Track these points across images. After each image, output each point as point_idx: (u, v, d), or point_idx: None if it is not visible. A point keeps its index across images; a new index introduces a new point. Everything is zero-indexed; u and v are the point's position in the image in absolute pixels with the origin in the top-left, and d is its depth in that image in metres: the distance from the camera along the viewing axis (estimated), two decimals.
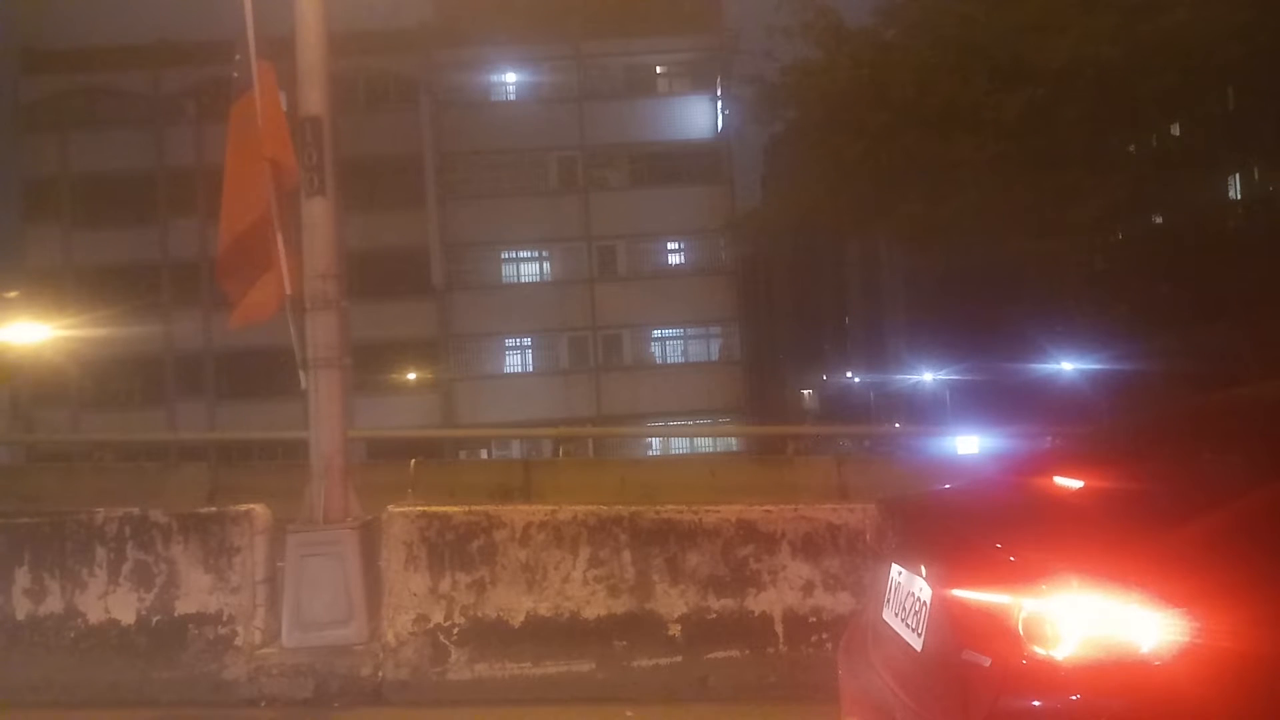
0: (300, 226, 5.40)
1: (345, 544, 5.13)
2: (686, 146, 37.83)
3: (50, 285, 34.90)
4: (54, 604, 5.12)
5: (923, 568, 2.87)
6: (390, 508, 5.16)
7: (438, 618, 4.99)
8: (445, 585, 5.01)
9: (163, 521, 5.17)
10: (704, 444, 33.76)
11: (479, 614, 4.98)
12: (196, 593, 5.10)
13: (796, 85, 17.00)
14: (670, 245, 38.58)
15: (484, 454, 33.16)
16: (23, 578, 5.15)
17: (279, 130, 5.36)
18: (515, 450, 30.65)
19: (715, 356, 38.17)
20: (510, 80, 38.78)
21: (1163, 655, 2.20)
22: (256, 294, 5.51)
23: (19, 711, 4.87)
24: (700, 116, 38.38)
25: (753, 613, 4.93)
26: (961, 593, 2.57)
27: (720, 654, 4.90)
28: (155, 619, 5.08)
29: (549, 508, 5.18)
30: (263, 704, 4.96)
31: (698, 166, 37.76)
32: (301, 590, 5.06)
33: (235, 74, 5.42)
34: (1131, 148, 17.74)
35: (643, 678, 4.88)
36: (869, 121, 15.68)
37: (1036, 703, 2.31)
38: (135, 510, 5.24)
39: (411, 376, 36.48)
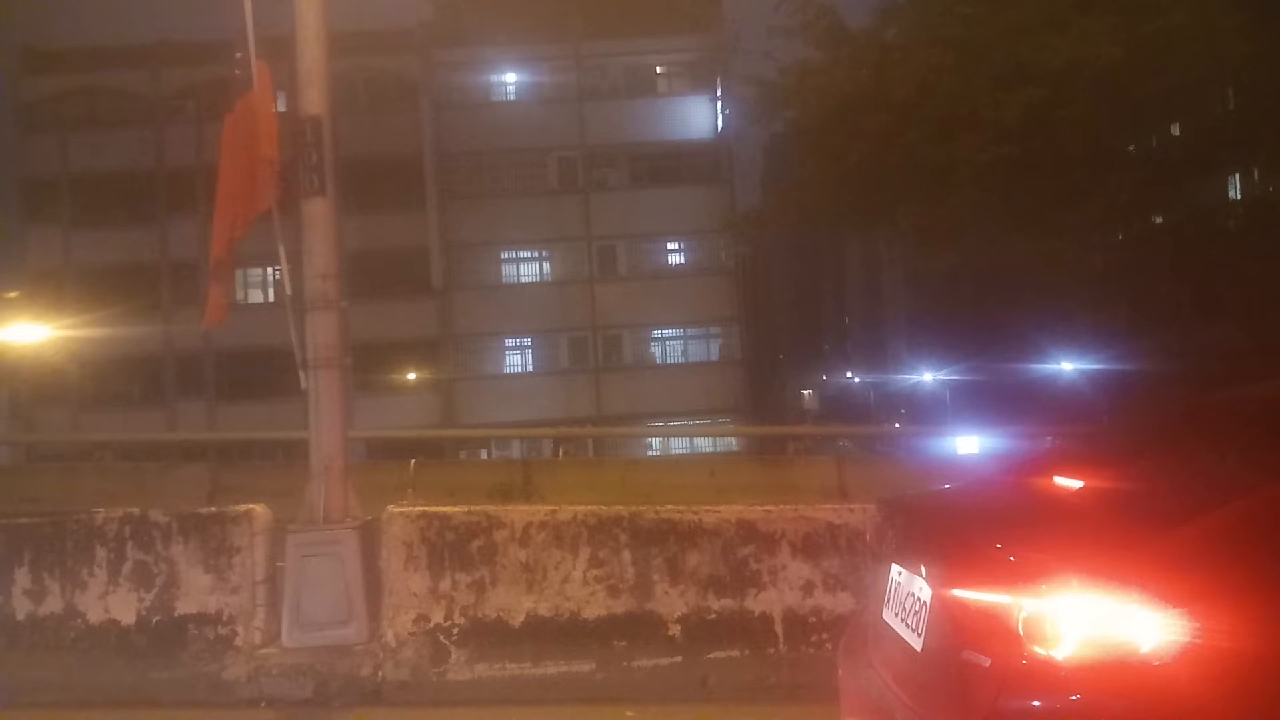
0: (300, 227, 5.40)
1: (345, 544, 5.13)
2: (686, 146, 37.82)
3: (50, 285, 34.91)
4: (54, 604, 5.12)
5: (923, 568, 2.87)
6: (390, 508, 5.16)
7: (438, 618, 4.99)
8: (445, 585, 5.01)
9: (163, 521, 5.17)
10: (704, 444, 33.76)
11: (479, 614, 4.98)
12: (196, 593, 5.10)
13: (796, 85, 16.96)
14: (670, 245, 38.57)
15: (484, 454, 33.13)
16: (23, 578, 5.15)
17: (270, 130, 5.37)
18: (515, 450, 30.62)
19: (715, 357, 38.16)
20: (510, 80, 38.78)
21: (1163, 655, 2.20)
22: (218, 289, 5.55)
23: (19, 711, 4.87)
24: (700, 116, 38.36)
25: (753, 613, 4.93)
26: (961, 593, 2.57)
27: (720, 654, 4.90)
28: (155, 619, 5.08)
29: (549, 508, 5.18)
30: (263, 704, 4.96)
31: (698, 166, 37.76)
32: (301, 590, 5.06)
33: (238, 71, 5.42)
34: (1132, 148, 17.72)
35: (643, 678, 4.88)
36: (869, 122, 15.65)
37: (1036, 703, 2.31)
38: (135, 510, 5.24)
39: (412, 376, 36.47)
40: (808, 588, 4.93)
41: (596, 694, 4.84)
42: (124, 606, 5.10)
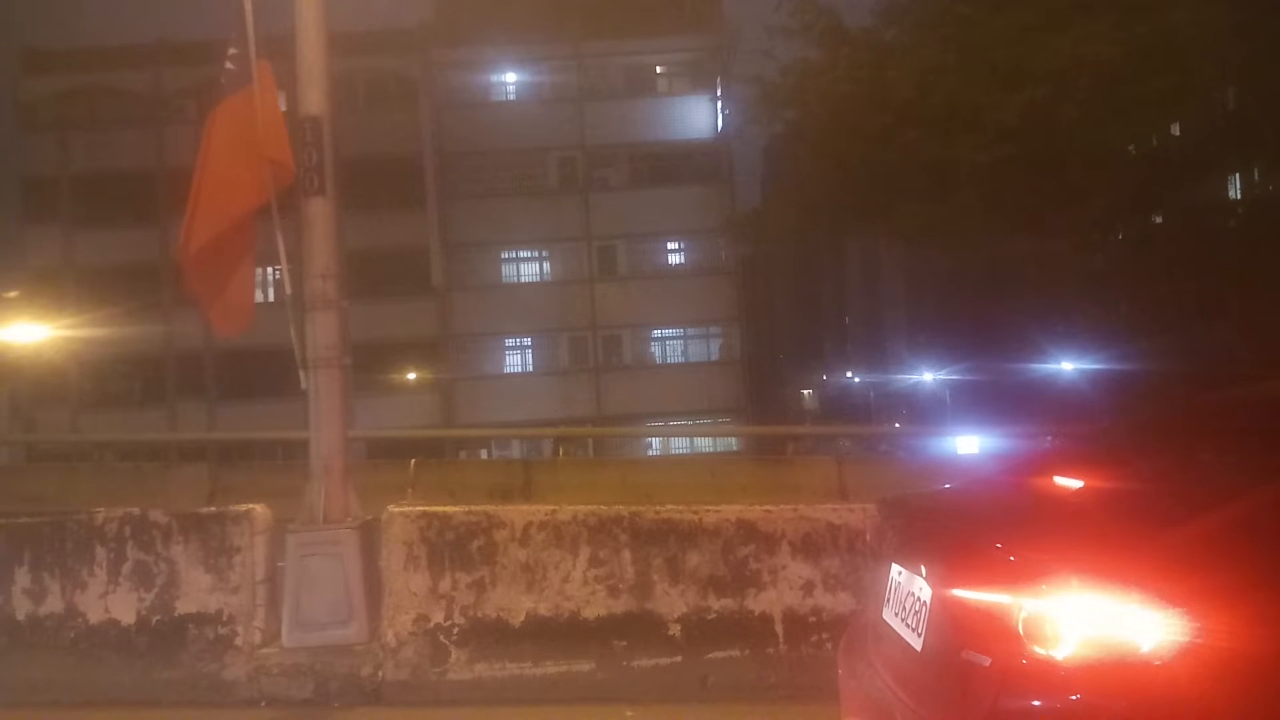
0: (300, 226, 5.40)
1: (345, 544, 5.13)
2: (686, 146, 37.82)
3: (50, 285, 34.91)
4: (54, 604, 5.12)
5: (923, 568, 2.86)
6: (390, 508, 5.16)
7: (438, 618, 4.99)
8: (445, 585, 5.00)
9: (163, 521, 5.17)
10: (704, 444, 33.79)
11: (479, 614, 4.98)
12: (196, 593, 5.10)
13: (796, 86, 16.96)
14: (670, 245, 38.59)
15: (484, 454, 33.15)
16: (23, 578, 5.15)
17: (277, 130, 5.36)
18: (515, 450, 30.66)
19: (715, 356, 38.17)
20: (510, 80, 38.79)
21: (1163, 655, 2.20)
22: (232, 296, 5.51)
23: (19, 711, 4.87)
24: (700, 116, 38.37)
25: (753, 613, 4.93)
26: (961, 593, 2.57)
27: (720, 654, 4.90)
28: (155, 619, 5.08)
29: (549, 508, 5.18)
30: (263, 704, 4.96)
31: (698, 166, 37.76)
32: (301, 590, 5.06)
33: (230, 66, 5.41)
34: (1131, 148, 17.71)
35: (643, 678, 4.88)
36: (869, 122, 15.65)
37: (1036, 703, 2.31)
38: (135, 510, 5.24)
39: (411, 376, 36.47)
40: (808, 588, 4.93)
41: (596, 694, 4.84)
42: (124, 606, 5.10)
